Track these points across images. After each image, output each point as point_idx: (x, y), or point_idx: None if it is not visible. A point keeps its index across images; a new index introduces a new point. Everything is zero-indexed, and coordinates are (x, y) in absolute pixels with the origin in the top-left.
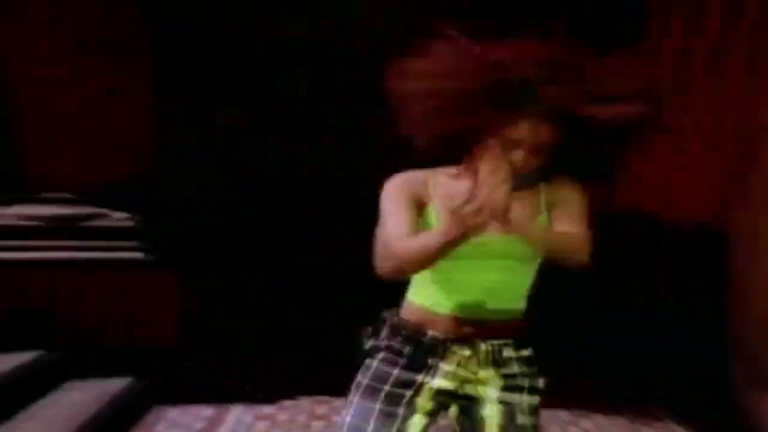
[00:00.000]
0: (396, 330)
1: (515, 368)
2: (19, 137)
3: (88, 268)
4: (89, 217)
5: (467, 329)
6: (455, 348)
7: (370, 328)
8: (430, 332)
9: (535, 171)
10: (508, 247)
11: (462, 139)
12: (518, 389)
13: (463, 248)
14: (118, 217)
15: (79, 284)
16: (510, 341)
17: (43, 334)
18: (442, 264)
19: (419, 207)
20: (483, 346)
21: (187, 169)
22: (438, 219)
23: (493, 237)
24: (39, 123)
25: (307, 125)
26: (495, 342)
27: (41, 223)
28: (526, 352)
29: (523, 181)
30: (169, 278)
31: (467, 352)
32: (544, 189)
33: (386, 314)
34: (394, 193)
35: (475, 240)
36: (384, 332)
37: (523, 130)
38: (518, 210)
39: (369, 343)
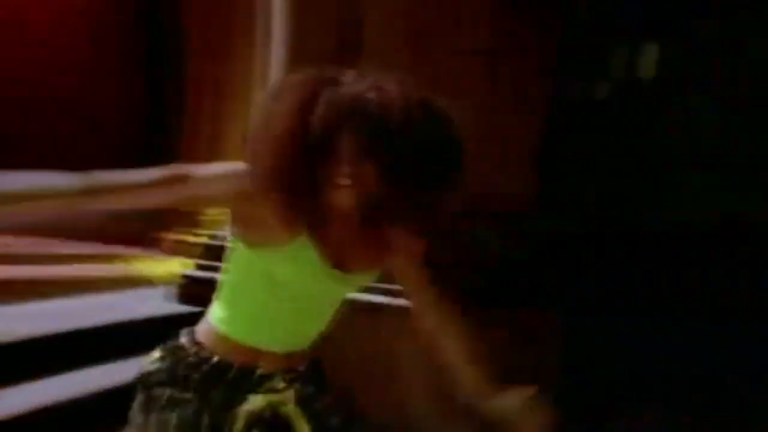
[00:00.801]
0: (212, 376)
1: (308, 380)
2: None
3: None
4: None
5: (284, 361)
6: (267, 380)
7: (158, 354)
8: (236, 364)
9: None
10: (354, 283)
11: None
12: (314, 397)
13: (309, 287)
14: None
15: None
16: (307, 357)
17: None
18: (272, 302)
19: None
20: (289, 375)
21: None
22: (309, 256)
23: (346, 279)
24: None
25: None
26: (301, 368)
27: None
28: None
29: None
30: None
31: (281, 383)
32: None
33: (186, 338)
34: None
35: (328, 276)
36: (191, 379)
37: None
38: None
39: (155, 372)
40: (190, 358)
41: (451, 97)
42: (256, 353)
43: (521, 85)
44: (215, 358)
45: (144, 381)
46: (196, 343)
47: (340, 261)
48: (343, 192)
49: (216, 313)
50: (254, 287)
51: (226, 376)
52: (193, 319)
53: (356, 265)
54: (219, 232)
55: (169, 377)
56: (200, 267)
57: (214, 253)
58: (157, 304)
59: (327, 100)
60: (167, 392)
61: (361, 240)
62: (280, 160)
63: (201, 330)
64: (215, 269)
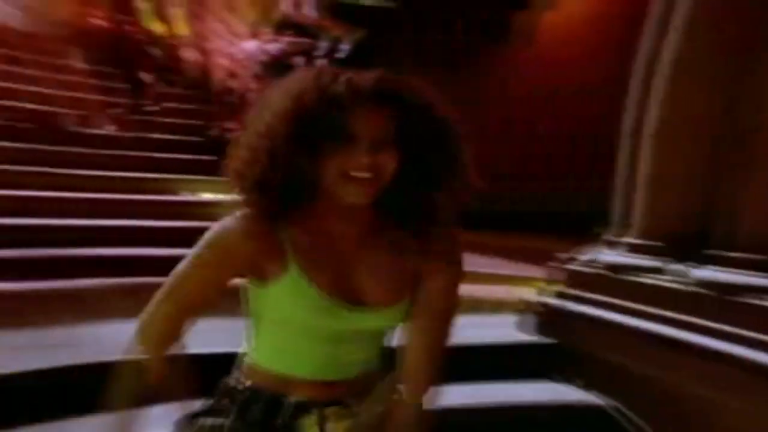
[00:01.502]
0: (247, 401)
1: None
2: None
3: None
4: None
5: (320, 390)
6: (320, 410)
7: (211, 403)
8: (292, 398)
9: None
10: (377, 323)
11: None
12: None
13: (318, 323)
14: None
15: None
16: (376, 388)
17: None
18: (289, 335)
19: (244, 274)
20: (355, 408)
21: None
22: (303, 288)
23: (362, 315)
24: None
25: None
26: (366, 403)
27: (710, 292)
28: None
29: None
30: None
31: (335, 410)
32: (413, 246)
33: (230, 382)
34: (206, 247)
35: (340, 319)
36: (230, 406)
37: (359, 120)
38: (378, 286)
39: (201, 406)
40: (229, 388)
41: None
42: (286, 381)
43: None
44: (248, 383)
45: (190, 415)
46: (238, 370)
47: (344, 291)
48: (356, 185)
49: (248, 341)
50: (268, 319)
51: (258, 402)
52: (533, 350)
53: (371, 295)
54: (586, 256)
55: (211, 408)
56: (560, 295)
57: (581, 280)
58: (505, 331)
59: (341, 79)
60: (208, 421)
61: (370, 261)
62: (275, 146)
63: (244, 358)
64: (577, 299)
